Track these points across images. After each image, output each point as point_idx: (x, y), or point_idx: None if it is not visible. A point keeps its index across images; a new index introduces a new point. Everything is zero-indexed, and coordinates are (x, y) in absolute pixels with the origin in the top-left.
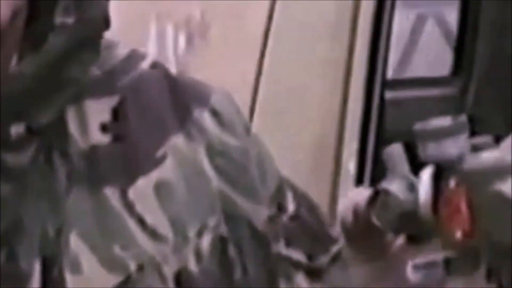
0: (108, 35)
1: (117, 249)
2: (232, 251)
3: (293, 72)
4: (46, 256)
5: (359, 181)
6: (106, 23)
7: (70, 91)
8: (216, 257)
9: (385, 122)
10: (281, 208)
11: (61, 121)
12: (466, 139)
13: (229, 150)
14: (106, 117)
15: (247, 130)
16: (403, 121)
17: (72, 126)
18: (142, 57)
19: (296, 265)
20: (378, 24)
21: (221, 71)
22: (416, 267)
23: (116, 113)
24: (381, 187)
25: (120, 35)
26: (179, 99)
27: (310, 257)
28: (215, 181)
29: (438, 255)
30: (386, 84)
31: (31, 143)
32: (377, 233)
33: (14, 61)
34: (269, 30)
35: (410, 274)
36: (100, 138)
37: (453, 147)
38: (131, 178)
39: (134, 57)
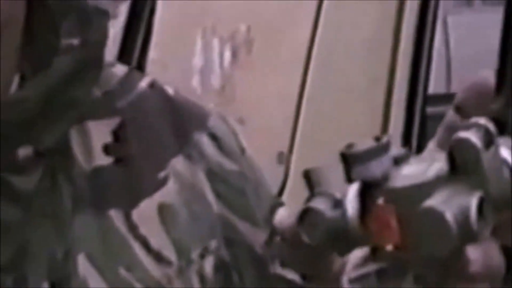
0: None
1: (123, 272)
2: (233, 274)
3: (335, 90)
4: (55, 280)
5: None
6: (106, 42)
7: (74, 113)
8: (219, 280)
9: (427, 139)
10: (274, 229)
11: (65, 144)
12: (390, 159)
13: (228, 175)
14: (108, 138)
15: (242, 150)
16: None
17: (76, 148)
18: (140, 76)
19: (292, 285)
20: (420, 41)
21: (265, 84)
22: (351, 281)
23: (117, 134)
24: (308, 205)
25: (167, 50)
26: (178, 121)
27: (304, 277)
28: (215, 206)
29: (371, 267)
30: (428, 100)
31: (38, 167)
32: (312, 252)
33: (15, 83)
34: (312, 47)
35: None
36: (102, 160)
37: (377, 167)
38: (135, 201)
39: (132, 76)
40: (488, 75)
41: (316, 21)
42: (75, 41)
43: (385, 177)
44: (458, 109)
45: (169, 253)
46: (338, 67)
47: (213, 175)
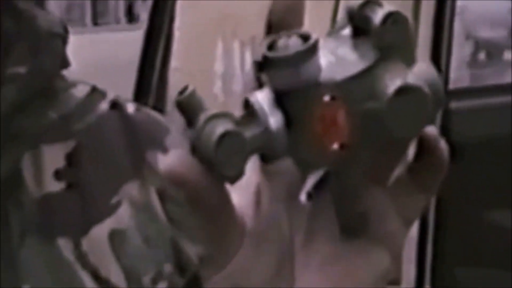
0: (178, 60)
1: None
2: None
3: None
4: None
5: None
6: (63, 64)
7: (25, 141)
8: None
9: (451, 134)
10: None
11: (16, 170)
12: (318, 59)
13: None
14: (61, 163)
15: None
16: (472, 132)
17: (27, 174)
18: (102, 96)
19: None
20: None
21: None
22: (309, 196)
23: (70, 159)
24: (225, 129)
25: (188, 57)
26: (135, 142)
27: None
28: (167, 228)
29: (318, 174)
30: (452, 93)
31: None
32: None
33: None
34: None
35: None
36: (54, 186)
37: (306, 71)
38: (85, 228)
39: (93, 97)
40: None
41: (333, 22)
42: (22, 69)
43: (315, 80)
44: None
45: (119, 280)
46: None
47: (165, 196)
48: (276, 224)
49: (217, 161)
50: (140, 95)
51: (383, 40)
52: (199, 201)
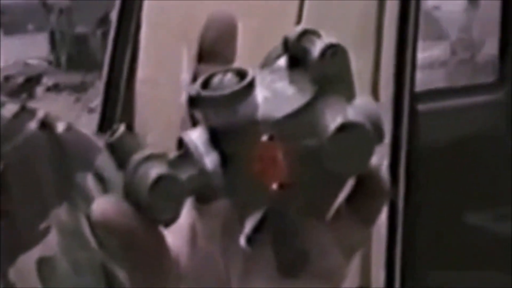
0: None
1: None
2: None
3: None
4: None
5: (393, 196)
6: None
7: None
8: None
9: (418, 136)
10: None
11: None
12: (254, 96)
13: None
14: None
15: None
16: (443, 133)
17: None
18: (31, 115)
19: None
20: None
21: None
22: (248, 239)
23: None
24: (159, 173)
25: (155, 68)
26: (64, 164)
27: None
28: (98, 253)
29: (258, 215)
30: (419, 96)
31: None
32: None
33: None
34: None
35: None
36: None
37: (245, 109)
38: (12, 257)
39: (22, 117)
40: None
41: (298, 24)
42: None
43: (252, 118)
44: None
45: None
46: None
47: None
48: (212, 264)
49: (152, 206)
50: (108, 106)
51: (322, 73)
52: (133, 247)
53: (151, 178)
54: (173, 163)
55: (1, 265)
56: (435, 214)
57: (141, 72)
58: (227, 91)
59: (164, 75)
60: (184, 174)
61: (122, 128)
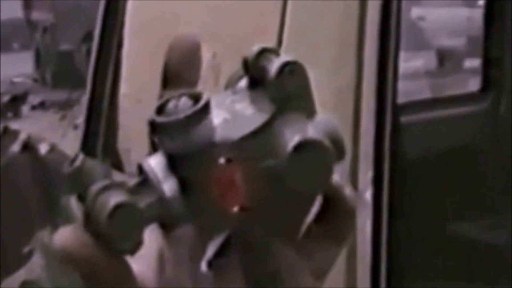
0: (127, 85)
1: None
2: None
3: None
4: None
5: (376, 209)
6: None
7: None
8: None
9: (402, 147)
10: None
11: None
12: (211, 120)
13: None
14: None
15: None
16: (426, 144)
17: None
18: (14, 137)
19: None
20: (384, 46)
21: None
22: (210, 263)
23: None
24: (116, 202)
25: (138, 83)
26: (47, 186)
27: None
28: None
29: (219, 239)
30: (401, 108)
31: None
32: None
33: None
34: None
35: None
36: None
37: (199, 134)
38: None
39: (4, 139)
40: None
41: (280, 38)
42: None
43: (209, 141)
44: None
45: None
46: None
47: None
48: None
49: (111, 235)
50: (91, 122)
51: (281, 91)
52: (95, 277)
53: (109, 206)
54: (132, 191)
55: None
56: (420, 225)
57: (124, 87)
58: (180, 116)
59: (146, 91)
60: (143, 201)
61: (81, 157)
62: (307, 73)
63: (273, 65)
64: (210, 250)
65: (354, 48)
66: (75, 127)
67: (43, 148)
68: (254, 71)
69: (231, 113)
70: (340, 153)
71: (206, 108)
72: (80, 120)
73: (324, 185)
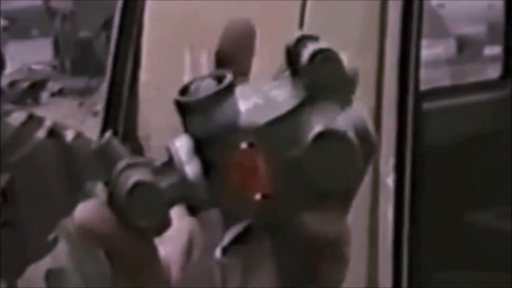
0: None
1: None
2: None
3: None
4: None
5: (398, 195)
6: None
7: None
8: None
9: (423, 134)
10: None
11: None
12: (234, 101)
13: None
14: None
15: None
16: (448, 131)
17: None
18: (39, 123)
19: None
20: (406, 32)
21: None
22: (226, 250)
23: (5, 194)
24: (136, 180)
25: (158, 71)
26: (73, 172)
27: None
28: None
29: (239, 227)
30: (423, 95)
31: None
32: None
33: None
34: None
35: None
36: None
37: (221, 115)
38: (20, 268)
39: (30, 125)
40: None
41: (300, 26)
42: None
43: (233, 125)
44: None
45: None
46: None
47: None
48: (208, 277)
49: (130, 212)
50: (111, 110)
51: (312, 79)
52: (117, 255)
53: (129, 183)
54: (156, 171)
55: (10, 277)
56: (441, 212)
57: (144, 75)
58: (200, 95)
59: (166, 78)
60: (165, 182)
61: (108, 134)
62: (342, 62)
63: (306, 51)
64: (227, 237)
65: (376, 35)
66: (95, 114)
67: (69, 135)
68: (294, 59)
69: (264, 99)
70: (369, 149)
71: (229, 89)
72: (99, 107)
73: (348, 182)
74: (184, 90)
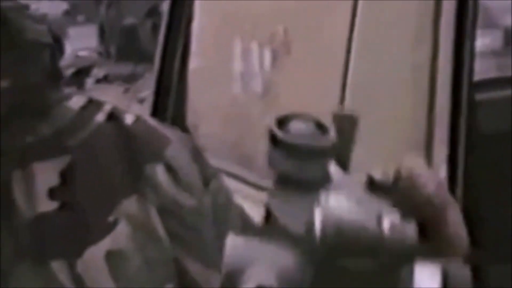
0: (196, 60)
1: None
2: None
3: (377, 86)
4: None
5: (452, 185)
6: (55, 76)
7: (13, 158)
8: None
9: (477, 126)
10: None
11: (6, 191)
12: (325, 165)
13: (182, 212)
14: (54, 181)
15: (206, 179)
16: (499, 123)
17: (18, 194)
18: (98, 107)
19: None
20: (461, 23)
21: (306, 85)
22: None
23: (64, 176)
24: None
25: (207, 58)
26: (132, 155)
27: None
28: (169, 247)
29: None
30: (476, 86)
31: None
32: None
33: None
34: (351, 41)
35: None
36: (47, 206)
37: (312, 169)
38: (80, 249)
39: (89, 109)
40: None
41: (353, 17)
42: (5, 83)
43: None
44: None
45: None
46: (379, 61)
47: (165, 212)
48: None
49: None
50: (160, 95)
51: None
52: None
53: None
54: None
55: (70, 258)
56: (495, 204)
57: (194, 62)
58: (300, 141)
59: (215, 66)
60: None
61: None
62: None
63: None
64: None
65: (430, 26)
66: (140, 100)
67: (128, 118)
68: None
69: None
70: None
71: (331, 149)
72: (144, 93)
73: None
74: (281, 121)
